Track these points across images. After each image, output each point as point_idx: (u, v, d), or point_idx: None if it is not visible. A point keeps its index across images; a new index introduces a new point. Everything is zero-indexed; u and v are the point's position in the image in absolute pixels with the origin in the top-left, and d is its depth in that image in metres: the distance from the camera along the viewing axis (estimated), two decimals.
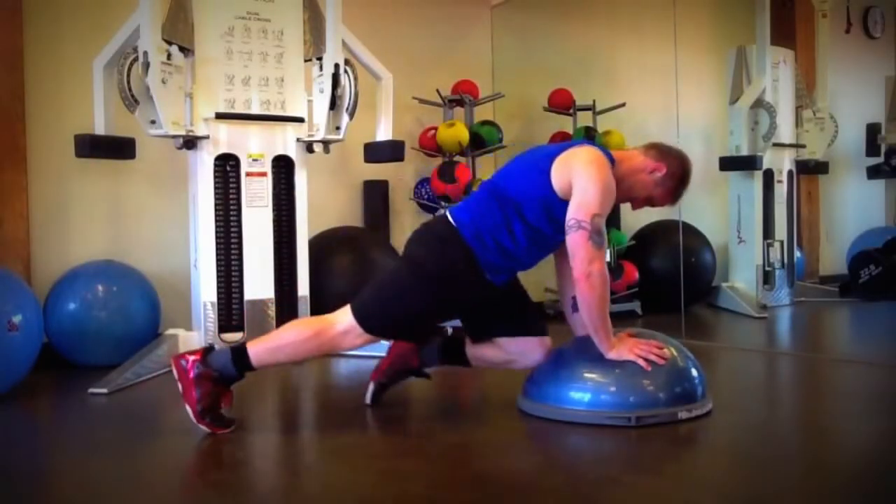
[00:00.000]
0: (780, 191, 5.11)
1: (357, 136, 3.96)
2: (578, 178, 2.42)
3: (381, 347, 3.73)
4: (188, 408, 2.43)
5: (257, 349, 2.49)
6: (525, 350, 2.64)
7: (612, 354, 2.48)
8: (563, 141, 5.07)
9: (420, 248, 2.59)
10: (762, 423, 2.63)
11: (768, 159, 5.00)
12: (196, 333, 3.58)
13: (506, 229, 2.48)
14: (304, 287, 3.76)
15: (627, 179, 2.55)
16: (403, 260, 2.64)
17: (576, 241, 2.38)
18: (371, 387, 2.81)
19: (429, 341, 2.82)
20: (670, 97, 4.56)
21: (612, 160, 2.52)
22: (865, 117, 5.06)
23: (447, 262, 2.49)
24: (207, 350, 2.50)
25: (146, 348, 3.44)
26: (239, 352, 2.48)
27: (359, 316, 2.48)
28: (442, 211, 2.65)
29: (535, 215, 2.48)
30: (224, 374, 2.46)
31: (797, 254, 5.27)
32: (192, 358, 2.45)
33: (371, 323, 2.49)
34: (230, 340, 3.49)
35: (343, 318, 2.50)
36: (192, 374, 2.43)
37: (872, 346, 4.23)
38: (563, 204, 2.43)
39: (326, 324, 2.52)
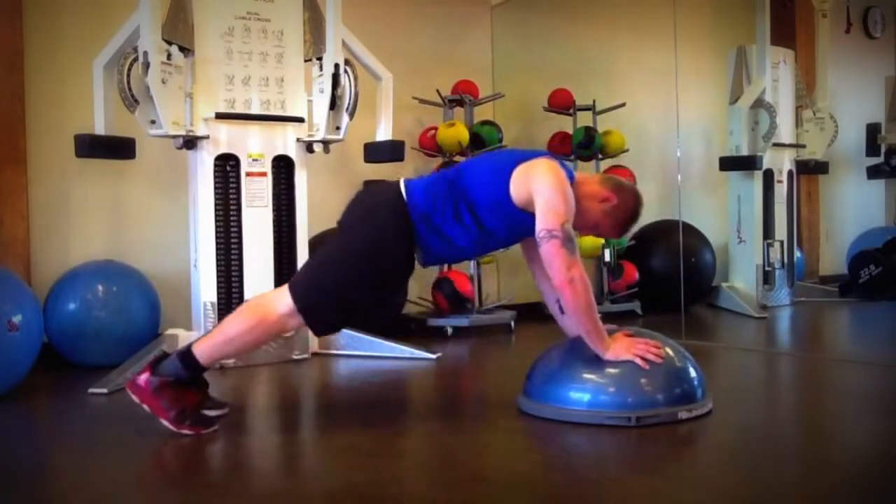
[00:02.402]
0: (780, 191, 5.11)
1: (357, 136, 3.97)
2: (539, 187, 2.44)
3: (381, 347, 3.75)
4: (163, 422, 2.42)
5: (203, 348, 2.46)
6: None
7: (609, 355, 2.48)
8: (563, 141, 5.09)
9: (362, 219, 2.56)
10: (762, 423, 2.63)
11: (768, 159, 5.00)
12: (196, 333, 3.57)
13: (455, 221, 2.51)
14: None
15: (580, 203, 2.55)
16: (341, 233, 2.59)
17: (550, 251, 2.39)
18: None
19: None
20: (670, 97, 4.57)
21: (571, 177, 2.54)
22: (865, 117, 5.06)
23: (390, 235, 2.49)
24: (156, 361, 2.46)
25: (146, 348, 3.44)
26: (184, 355, 2.46)
27: (295, 296, 2.46)
28: (396, 180, 2.60)
29: (490, 217, 2.51)
30: (179, 378, 2.44)
31: (797, 254, 5.28)
32: (142, 376, 2.43)
33: (308, 302, 2.46)
34: None
35: (283, 301, 2.47)
36: (149, 389, 2.41)
37: (872, 346, 4.24)
38: (517, 211, 2.48)
39: (267, 310, 2.48)
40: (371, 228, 2.53)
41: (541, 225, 2.41)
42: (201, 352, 2.46)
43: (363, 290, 2.50)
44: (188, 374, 2.45)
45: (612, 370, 2.48)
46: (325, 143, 3.79)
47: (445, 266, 4.66)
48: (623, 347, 2.49)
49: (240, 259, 3.60)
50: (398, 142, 3.96)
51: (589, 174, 2.72)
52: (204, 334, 2.58)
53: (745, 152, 4.94)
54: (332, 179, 4.57)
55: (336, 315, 2.56)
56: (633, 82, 5.47)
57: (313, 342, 3.79)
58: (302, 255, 3.76)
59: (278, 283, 3.68)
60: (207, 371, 2.52)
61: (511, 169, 2.49)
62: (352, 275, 2.49)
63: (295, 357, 3.69)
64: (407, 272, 2.59)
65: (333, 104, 3.68)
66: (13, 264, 3.57)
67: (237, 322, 2.50)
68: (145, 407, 2.43)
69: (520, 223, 2.52)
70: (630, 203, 2.63)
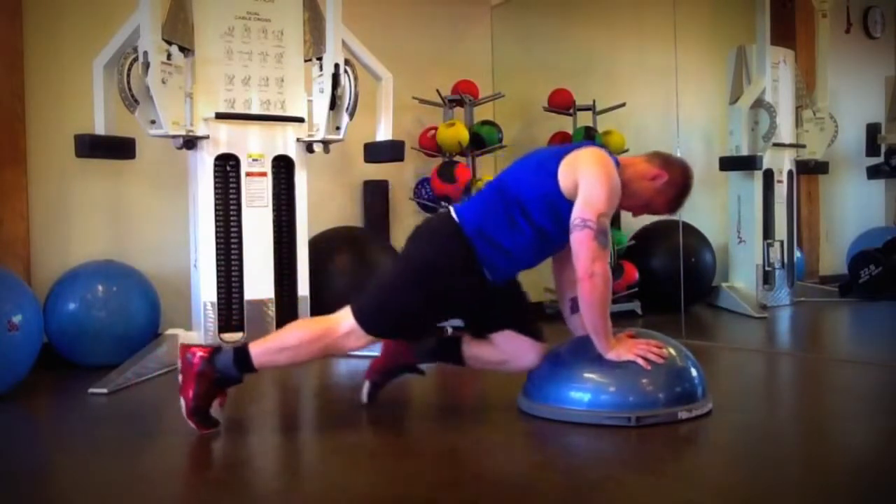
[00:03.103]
0: (780, 191, 5.11)
1: (357, 136, 3.97)
2: (585, 177, 2.42)
3: (380, 346, 3.74)
4: (182, 401, 2.44)
5: (259, 350, 2.48)
6: (519, 352, 2.63)
7: (611, 355, 2.48)
8: (563, 141, 5.09)
9: (419, 244, 2.59)
10: (762, 423, 2.63)
11: (768, 159, 5.00)
12: (196, 333, 3.58)
13: (509, 228, 2.48)
14: (304, 287, 3.76)
15: (629, 185, 2.55)
16: (403, 257, 2.63)
17: (580, 240, 2.38)
18: (366, 386, 2.81)
19: (425, 339, 2.81)
20: (670, 97, 4.56)
21: (616, 163, 2.53)
22: (865, 117, 5.06)
23: (446, 257, 2.50)
24: (216, 350, 2.49)
25: (146, 348, 3.44)
26: (241, 353, 2.47)
27: (359, 316, 2.48)
28: (445, 208, 2.64)
29: (540, 214, 2.48)
30: (224, 376, 2.46)
31: (797, 254, 5.27)
32: (199, 353, 2.45)
33: (371, 323, 2.48)
34: (230, 340, 3.49)
35: (345, 319, 2.49)
36: (196, 370, 2.43)
37: (872, 346, 4.23)
38: (569, 204, 2.44)
39: (330, 326, 2.50)
40: (429, 251, 2.54)
41: (577, 213, 2.40)
42: (257, 354, 2.48)
43: (424, 311, 2.54)
44: (237, 373, 2.47)
45: (611, 370, 2.48)
46: (325, 143, 3.79)
47: None
48: (625, 348, 2.49)
49: (240, 259, 3.60)
50: (398, 142, 3.96)
51: (630, 157, 2.70)
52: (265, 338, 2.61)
53: (745, 152, 4.94)
54: (332, 179, 4.57)
55: (398, 334, 2.64)
56: (633, 82, 5.47)
57: None
58: (302, 255, 3.76)
59: (278, 282, 3.68)
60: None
61: (557, 161, 2.47)
62: (414, 296, 2.49)
63: None
64: (472, 293, 2.54)
65: (333, 104, 3.68)
66: (13, 264, 3.57)
67: (299, 332, 2.53)
68: (180, 377, 2.45)
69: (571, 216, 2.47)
70: (681, 177, 2.62)
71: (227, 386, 2.49)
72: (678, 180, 2.62)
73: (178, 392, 2.45)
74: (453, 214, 2.55)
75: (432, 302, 2.51)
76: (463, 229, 2.49)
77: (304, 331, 2.55)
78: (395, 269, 2.64)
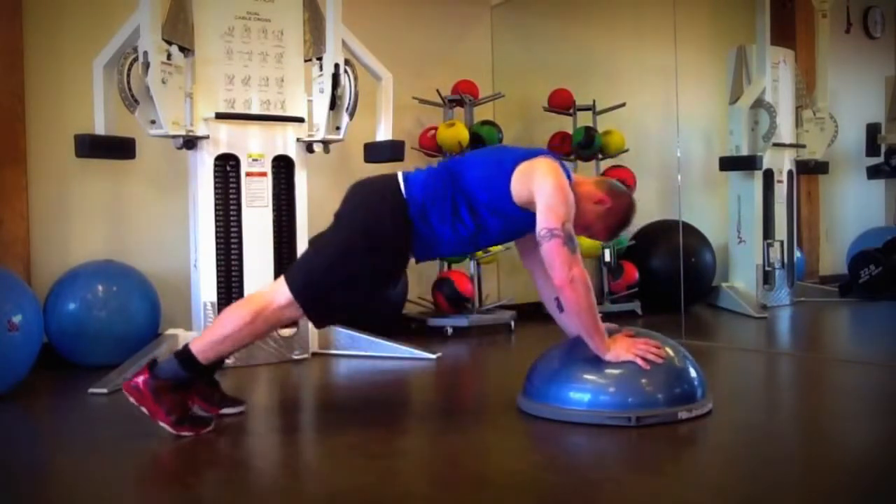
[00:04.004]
0: (780, 191, 5.11)
1: (357, 136, 3.97)
2: (541, 187, 2.44)
3: (381, 347, 3.75)
4: (163, 425, 2.41)
5: (200, 346, 2.46)
6: None
7: (609, 356, 2.48)
8: (563, 141, 5.09)
9: (359, 209, 2.56)
10: (762, 423, 2.63)
11: (768, 159, 5.00)
12: (196, 333, 3.57)
13: (451, 217, 2.51)
14: None
15: (576, 203, 2.54)
16: (338, 226, 2.58)
17: (551, 250, 2.40)
18: None
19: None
20: (670, 97, 4.56)
21: (569, 177, 2.54)
22: (865, 117, 5.06)
23: (385, 229, 2.50)
24: (151, 364, 2.45)
25: (146, 348, 3.44)
26: (183, 354, 2.45)
27: (291, 286, 2.46)
28: (394, 173, 2.60)
29: (486, 212, 2.52)
30: (178, 380, 2.43)
31: (797, 254, 5.28)
32: (139, 377, 2.41)
33: (305, 294, 2.46)
34: None
35: (281, 291, 2.47)
36: (148, 392, 2.39)
37: (872, 346, 4.24)
38: (517, 209, 2.49)
39: (264, 302, 2.48)
40: (368, 223, 2.52)
41: (542, 224, 2.42)
42: (200, 350, 2.45)
43: (358, 283, 2.51)
44: (187, 375, 2.44)
45: (611, 370, 2.48)
46: (325, 143, 3.79)
47: (446, 266, 4.66)
48: (623, 348, 2.49)
49: (240, 259, 3.61)
50: (398, 142, 3.96)
51: (585, 176, 2.72)
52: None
53: (745, 152, 4.94)
54: (332, 179, 4.56)
55: (332, 307, 2.56)
56: (633, 82, 5.47)
57: (313, 342, 3.79)
58: None
59: None
60: (209, 369, 2.52)
61: (512, 167, 2.50)
62: (347, 268, 2.48)
63: (295, 357, 3.69)
64: (402, 268, 2.62)
65: (333, 104, 3.68)
66: (13, 264, 3.57)
67: (234, 317, 2.49)
68: (143, 410, 2.41)
69: (517, 221, 2.53)
70: (623, 207, 2.64)
71: (187, 386, 2.46)
72: (620, 210, 2.64)
73: (153, 424, 2.41)
74: (401, 185, 2.53)
75: (362, 273, 2.49)
76: (407, 208, 2.49)
77: (237, 314, 2.49)
78: (331, 237, 2.58)
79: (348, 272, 2.48)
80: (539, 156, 2.55)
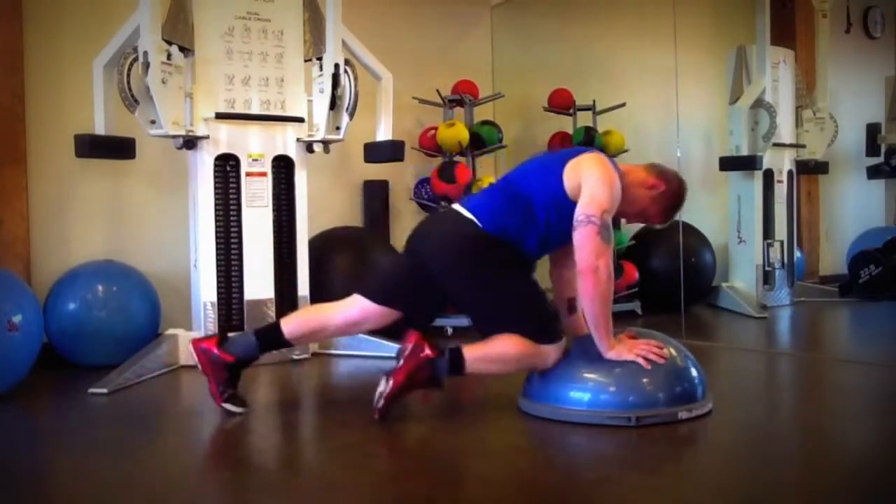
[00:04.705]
0: (780, 191, 5.10)
1: (357, 136, 3.97)
2: (588, 177, 2.50)
3: (381, 347, 3.74)
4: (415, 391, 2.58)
5: (474, 356, 2.56)
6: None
7: (611, 354, 2.49)
8: (563, 141, 5.09)
9: (478, 263, 2.59)
10: (762, 423, 2.63)
11: (768, 159, 5.00)
12: (196, 333, 3.57)
13: (524, 227, 2.55)
14: (304, 287, 3.76)
15: (627, 191, 2.60)
16: (480, 273, 2.59)
17: (584, 235, 2.43)
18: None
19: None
20: (670, 97, 4.56)
21: (617, 169, 2.58)
22: (865, 117, 5.06)
23: (498, 254, 2.57)
24: (438, 355, 2.53)
25: (146, 348, 3.44)
26: (454, 353, 2.53)
27: (541, 339, 2.53)
28: (458, 210, 2.65)
29: (547, 215, 2.54)
30: (438, 376, 2.55)
31: (797, 254, 5.27)
32: (427, 352, 2.52)
33: (544, 329, 2.55)
34: None
35: (544, 355, 2.54)
36: (422, 372, 2.53)
37: (872, 346, 4.23)
38: (574, 204, 2.50)
39: (537, 363, 2.56)
40: (489, 263, 2.57)
41: (581, 209, 2.46)
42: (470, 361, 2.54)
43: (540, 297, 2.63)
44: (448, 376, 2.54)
45: (611, 370, 2.49)
46: (325, 143, 3.79)
47: None
48: (626, 348, 2.50)
49: (240, 259, 3.60)
50: (398, 142, 3.96)
51: (630, 165, 2.74)
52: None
53: (745, 152, 4.94)
54: (332, 179, 4.57)
55: (552, 315, 2.66)
56: (633, 82, 5.47)
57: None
58: (302, 256, 3.76)
59: (278, 282, 3.68)
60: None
61: (562, 166, 2.55)
62: (522, 285, 2.60)
63: (295, 357, 3.69)
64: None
65: (333, 104, 3.68)
66: (13, 264, 3.57)
67: (514, 346, 2.54)
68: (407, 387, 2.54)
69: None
70: (677, 188, 2.69)
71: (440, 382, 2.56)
72: (674, 192, 2.69)
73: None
74: (478, 225, 2.56)
75: (527, 279, 2.63)
76: (496, 237, 2.55)
77: (514, 362, 2.58)
78: (492, 284, 2.61)
79: (522, 289, 2.60)
80: (587, 152, 2.61)
